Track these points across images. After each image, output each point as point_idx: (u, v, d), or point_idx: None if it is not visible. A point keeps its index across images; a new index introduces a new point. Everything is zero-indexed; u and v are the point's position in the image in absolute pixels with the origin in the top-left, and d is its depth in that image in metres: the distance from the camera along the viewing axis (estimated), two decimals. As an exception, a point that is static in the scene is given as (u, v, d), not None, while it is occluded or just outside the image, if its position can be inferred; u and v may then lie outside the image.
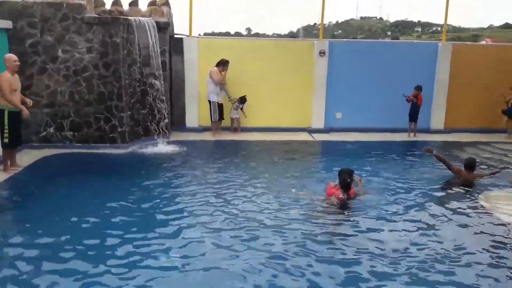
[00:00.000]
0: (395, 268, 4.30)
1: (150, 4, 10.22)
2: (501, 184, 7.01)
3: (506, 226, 5.34)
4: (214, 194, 6.27)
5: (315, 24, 62.32)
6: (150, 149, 8.86)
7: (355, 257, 4.48)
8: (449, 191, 6.74)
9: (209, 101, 10.12)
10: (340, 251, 4.61)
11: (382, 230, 5.20)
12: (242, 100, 10.37)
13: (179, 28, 11.01)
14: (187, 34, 10.71)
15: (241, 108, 10.46)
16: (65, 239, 4.67)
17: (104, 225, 5.10)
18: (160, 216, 5.45)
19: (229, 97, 10.38)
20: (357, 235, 5.03)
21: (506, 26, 62.81)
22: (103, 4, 9.79)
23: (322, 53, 10.73)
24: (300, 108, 10.78)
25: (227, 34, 41.83)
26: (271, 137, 10.16)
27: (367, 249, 4.66)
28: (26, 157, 7.83)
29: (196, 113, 10.70)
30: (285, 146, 9.62)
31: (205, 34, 19.77)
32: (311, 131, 10.79)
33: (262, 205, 5.87)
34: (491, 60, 11.23)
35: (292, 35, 58.13)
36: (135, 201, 5.93)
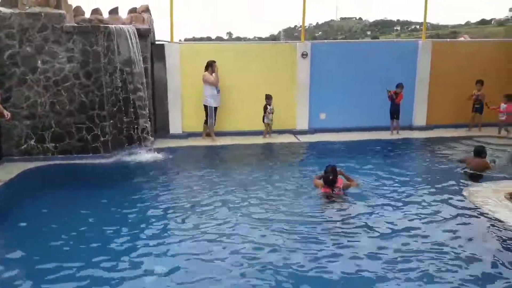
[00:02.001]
0: (382, 262, 4.40)
1: (130, 12, 10.14)
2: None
3: (490, 220, 5.42)
4: (200, 200, 6.24)
5: (295, 26, 62.50)
6: (134, 158, 8.76)
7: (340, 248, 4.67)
8: (437, 185, 6.84)
9: (206, 106, 10.11)
10: (324, 244, 4.78)
11: (368, 224, 5.35)
12: None
13: (160, 34, 10.96)
14: (169, 40, 10.65)
15: None
16: (47, 256, 4.56)
17: (89, 237, 5.03)
18: (146, 227, 5.36)
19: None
20: (341, 226, 5.25)
21: (482, 22, 63.92)
22: (83, 13, 9.69)
23: (304, 55, 10.78)
24: (284, 110, 10.79)
25: (208, 39, 41.72)
26: (256, 140, 10.16)
27: (354, 239, 4.86)
28: (6, 171, 7.64)
29: (179, 119, 10.64)
30: (271, 149, 9.69)
31: (186, 39, 19.68)
32: (295, 132, 10.82)
33: (256, 210, 5.85)
34: (469, 55, 11.42)
35: (273, 38, 58.20)
36: (120, 212, 5.84)
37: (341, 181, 6.31)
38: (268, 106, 10.32)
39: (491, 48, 11.80)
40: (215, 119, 10.23)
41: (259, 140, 10.23)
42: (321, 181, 6.32)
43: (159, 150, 9.20)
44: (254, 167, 8.17)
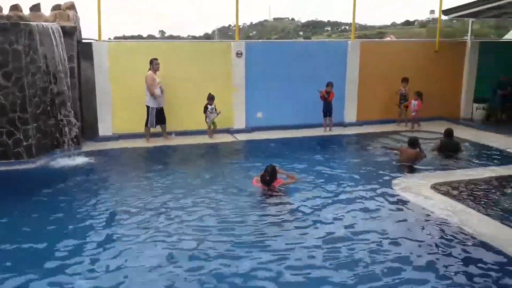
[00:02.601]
0: (314, 251, 4.64)
1: (54, 9, 9.53)
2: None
3: (415, 209, 5.71)
4: (131, 205, 6.01)
5: (229, 25, 62.57)
6: (60, 162, 8.24)
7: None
8: (368, 178, 7.17)
9: (147, 107, 9.76)
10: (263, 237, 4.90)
11: (302, 216, 5.59)
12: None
13: (87, 32, 10.43)
14: (96, 38, 10.16)
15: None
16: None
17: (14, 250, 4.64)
18: (72, 235, 5.07)
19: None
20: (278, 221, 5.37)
21: (407, 23, 67.79)
22: (0, 10, 8.97)
23: (239, 54, 10.76)
24: (221, 109, 10.68)
25: (140, 37, 40.53)
26: (193, 141, 9.96)
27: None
28: None
29: (109, 121, 10.17)
30: (208, 149, 9.56)
31: (116, 38, 18.99)
32: (233, 131, 10.77)
33: (194, 214, 5.74)
34: (395, 55, 12.00)
35: (207, 37, 57.84)
36: (46, 220, 5.48)
37: (280, 181, 6.48)
38: (208, 106, 10.18)
39: (414, 47, 12.48)
40: (156, 121, 9.88)
41: (199, 140, 10.01)
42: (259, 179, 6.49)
43: (87, 154, 8.77)
44: (188, 168, 8.02)
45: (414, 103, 11.32)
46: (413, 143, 8.25)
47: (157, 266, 4.32)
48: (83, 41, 10.07)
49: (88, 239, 4.98)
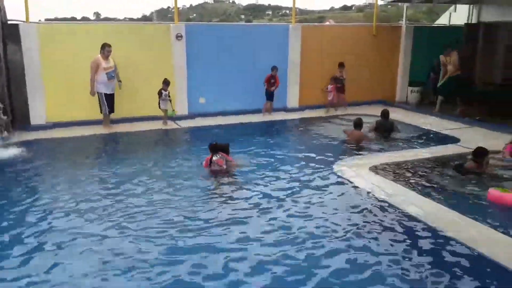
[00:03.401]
0: (257, 231, 4.74)
1: (-29, -14, 8.75)
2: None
3: (357, 192, 5.89)
4: (66, 199, 5.70)
5: (168, 7, 60.87)
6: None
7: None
8: (310, 161, 7.32)
9: (97, 93, 9.30)
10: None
11: (248, 198, 5.72)
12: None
13: (14, 13, 9.66)
14: (24, 20, 9.44)
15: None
16: None
17: None
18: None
19: (119, 82, 9.62)
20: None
21: (345, 8, 69.44)
22: None
23: (179, 36, 10.45)
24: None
25: (73, 19, 38.53)
26: (135, 127, 9.62)
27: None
28: None
29: (42, 108, 9.56)
30: (151, 136, 9.29)
31: (48, 19, 17.82)
32: (175, 118, 10.50)
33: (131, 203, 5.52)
34: (335, 39, 12.21)
35: (145, 19, 56.02)
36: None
37: (230, 158, 6.81)
38: (163, 91, 9.83)
39: (353, 32, 12.75)
40: (109, 107, 9.46)
41: (139, 127, 9.67)
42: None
43: (18, 144, 8.18)
44: (128, 158, 7.70)
45: (329, 87, 11.58)
46: (358, 124, 8.58)
47: (91, 267, 4.09)
48: (9, 22, 9.33)
49: (16, 238, 4.65)
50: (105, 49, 9.22)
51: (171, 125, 10.08)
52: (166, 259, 4.20)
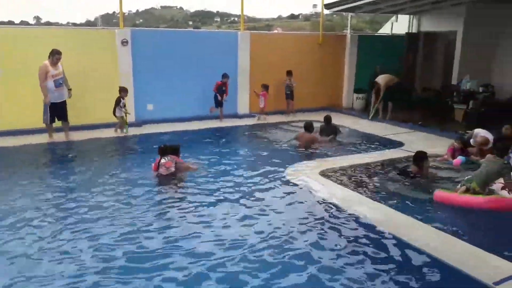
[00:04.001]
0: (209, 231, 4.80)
1: None
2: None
3: (307, 196, 5.96)
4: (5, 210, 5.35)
5: (114, 12, 59.32)
6: None
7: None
8: (262, 166, 7.35)
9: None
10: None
11: (198, 208, 5.57)
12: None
13: None
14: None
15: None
16: None
17: None
18: None
19: (69, 91, 9.04)
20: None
21: (292, 16, 70.79)
22: None
23: (124, 42, 10.19)
24: (107, 102, 9.99)
25: (10, 23, 36.64)
26: (83, 136, 9.20)
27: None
28: None
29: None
30: (100, 144, 8.92)
31: (-19, 22, 16.74)
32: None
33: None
34: (283, 47, 12.39)
35: (89, 24, 54.22)
36: None
37: (181, 160, 6.75)
38: (121, 99, 9.51)
39: (300, 40, 13.00)
40: (57, 116, 8.92)
41: (85, 135, 9.26)
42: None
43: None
44: (74, 167, 7.41)
45: (260, 94, 11.54)
46: (308, 127, 8.81)
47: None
48: None
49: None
50: (55, 56, 8.62)
51: (119, 133, 9.73)
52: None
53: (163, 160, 6.61)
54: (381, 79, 11.35)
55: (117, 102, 9.58)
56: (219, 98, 11.02)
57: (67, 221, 5.09)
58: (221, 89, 10.97)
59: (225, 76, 10.93)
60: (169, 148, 6.77)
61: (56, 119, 9.00)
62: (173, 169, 6.58)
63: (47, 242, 4.57)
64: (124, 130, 9.74)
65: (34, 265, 4.12)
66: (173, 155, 6.71)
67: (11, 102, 9.26)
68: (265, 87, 11.48)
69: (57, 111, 8.91)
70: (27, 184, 6.38)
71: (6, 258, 4.22)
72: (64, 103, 9.02)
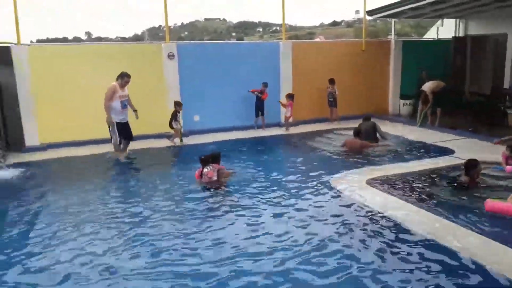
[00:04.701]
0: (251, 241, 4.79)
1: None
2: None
3: (355, 206, 5.88)
4: (62, 221, 5.65)
5: (160, 26, 61.38)
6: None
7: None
8: (306, 174, 7.36)
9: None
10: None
11: (239, 209, 5.80)
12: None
13: (5, 35, 9.70)
14: (15, 42, 9.46)
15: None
16: None
17: None
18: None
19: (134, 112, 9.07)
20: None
21: (334, 23, 70.32)
22: None
23: (171, 55, 10.53)
24: (155, 113, 10.36)
25: (65, 39, 38.65)
26: (136, 146, 9.52)
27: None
28: None
29: (35, 130, 9.55)
30: (148, 154, 9.24)
31: (39, 41, 17.87)
32: (169, 136, 10.48)
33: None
34: (325, 55, 12.37)
35: (137, 38, 56.30)
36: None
37: (211, 173, 6.84)
38: (177, 113, 9.92)
39: (342, 47, 12.91)
40: (122, 135, 8.86)
41: (138, 144, 9.61)
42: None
43: (12, 166, 8.15)
44: (126, 176, 7.72)
45: (286, 103, 11.38)
46: (358, 133, 8.93)
47: None
48: (0, 45, 9.35)
49: (16, 255, 4.59)
50: (124, 79, 8.72)
51: (165, 142, 10.05)
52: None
53: (205, 170, 6.83)
54: (427, 87, 11.07)
55: (174, 116, 9.91)
56: (258, 104, 11.18)
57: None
58: (258, 96, 11.16)
59: (263, 84, 11.15)
60: (211, 156, 6.98)
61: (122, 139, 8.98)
62: (215, 178, 6.77)
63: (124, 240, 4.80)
64: (178, 141, 10.04)
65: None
66: (214, 164, 6.91)
67: (67, 116, 9.77)
68: (291, 97, 11.34)
69: (123, 131, 8.84)
70: (99, 190, 6.78)
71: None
72: (128, 124, 8.97)
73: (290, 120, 11.51)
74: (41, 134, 9.60)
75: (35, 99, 9.49)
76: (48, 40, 27.03)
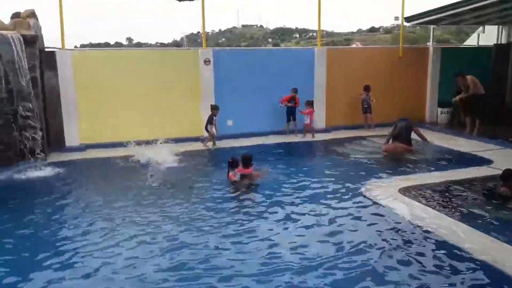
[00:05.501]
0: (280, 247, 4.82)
1: (13, 17, 9.26)
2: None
3: (387, 215, 5.79)
4: (100, 217, 5.86)
5: (198, 32, 62.47)
6: (25, 175, 7.95)
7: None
8: (337, 181, 7.33)
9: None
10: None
11: (268, 213, 5.91)
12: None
13: (51, 40, 10.18)
14: (60, 47, 9.92)
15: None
16: None
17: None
18: (44, 250, 4.89)
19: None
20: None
21: (372, 29, 69.43)
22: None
23: (207, 61, 10.73)
24: (189, 118, 10.60)
25: (107, 45, 39.95)
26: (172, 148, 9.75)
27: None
28: None
29: (76, 131, 9.96)
30: (182, 158, 9.40)
31: (82, 46, 18.59)
32: (203, 140, 10.67)
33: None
34: (361, 61, 12.26)
35: (176, 43, 57.49)
36: (13, 235, 5.28)
37: (232, 176, 7.26)
38: (213, 117, 10.17)
39: (379, 54, 12.76)
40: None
41: (172, 148, 9.80)
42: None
43: (54, 165, 8.51)
44: (158, 178, 7.89)
45: (305, 111, 11.21)
46: (397, 137, 8.96)
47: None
48: (46, 49, 9.82)
49: (63, 251, 4.84)
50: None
51: (199, 146, 10.25)
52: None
53: (230, 172, 7.32)
54: (470, 77, 10.85)
55: (210, 119, 10.11)
56: (289, 111, 11.18)
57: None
58: (291, 105, 11.17)
59: (293, 90, 11.09)
60: (244, 158, 7.31)
61: None
62: (238, 179, 7.17)
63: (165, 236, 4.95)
64: (211, 145, 10.21)
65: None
66: (243, 167, 7.23)
67: (106, 118, 10.15)
68: (310, 104, 11.17)
69: None
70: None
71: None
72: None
73: (314, 126, 11.32)
74: (81, 135, 9.99)
75: (76, 102, 9.90)
76: (90, 45, 28.06)
